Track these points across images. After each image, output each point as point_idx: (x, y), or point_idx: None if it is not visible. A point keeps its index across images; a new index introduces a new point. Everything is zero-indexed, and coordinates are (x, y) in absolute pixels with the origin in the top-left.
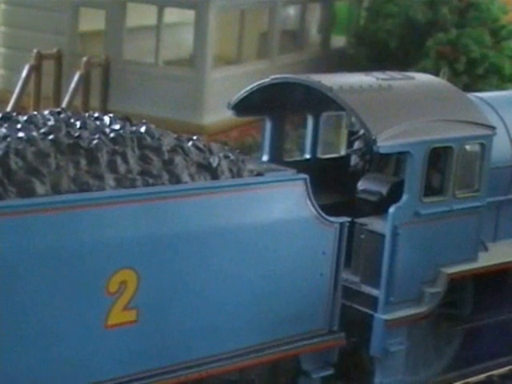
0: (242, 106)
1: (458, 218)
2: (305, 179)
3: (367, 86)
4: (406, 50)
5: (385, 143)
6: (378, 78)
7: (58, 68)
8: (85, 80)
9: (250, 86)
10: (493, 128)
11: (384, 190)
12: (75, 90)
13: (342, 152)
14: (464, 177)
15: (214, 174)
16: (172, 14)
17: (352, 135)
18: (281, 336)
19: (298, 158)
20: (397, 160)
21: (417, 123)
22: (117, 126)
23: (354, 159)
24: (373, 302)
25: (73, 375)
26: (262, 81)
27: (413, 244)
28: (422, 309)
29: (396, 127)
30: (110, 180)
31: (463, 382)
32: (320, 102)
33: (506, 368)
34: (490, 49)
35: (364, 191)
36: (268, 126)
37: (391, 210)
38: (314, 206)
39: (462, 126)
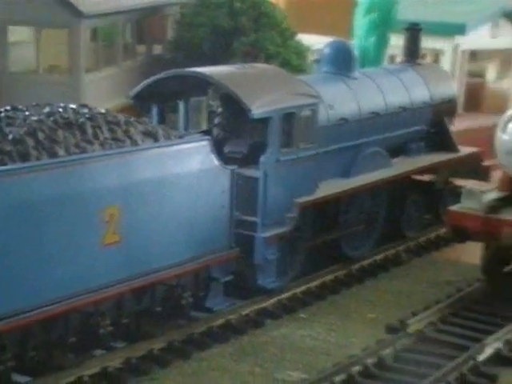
0: (137, 97)
1: (301, 163)
2: (209, 139)
3: (231, 72)
4: (216, 51)
5: (256, 111)
6: (236, 68)
7: None
8: None
9: (145, 81)
10: (318, 98)
11: (245, 150)
12: None
13: (204, 127)
14: (303, 133)
15: (155, 138)
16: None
17: (212, 114)
18: (200, 252)
19: None
20: (251, 127)
21: (271, 96)
22: (86, 110)
23: (215, 131)
24: (253, 226)
25: (83, 280)
26: (156, 76)
27: (277, 182)
28: (285, 229)
29: (259, 100)
30: (96, 145)
31: (305, 286)
32: (189, 90)
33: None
34: (281, 47)
35: (230, 152)
36: (154, 110)
37: (262, 159)
38: (216, 158)
39: (299, 97)
